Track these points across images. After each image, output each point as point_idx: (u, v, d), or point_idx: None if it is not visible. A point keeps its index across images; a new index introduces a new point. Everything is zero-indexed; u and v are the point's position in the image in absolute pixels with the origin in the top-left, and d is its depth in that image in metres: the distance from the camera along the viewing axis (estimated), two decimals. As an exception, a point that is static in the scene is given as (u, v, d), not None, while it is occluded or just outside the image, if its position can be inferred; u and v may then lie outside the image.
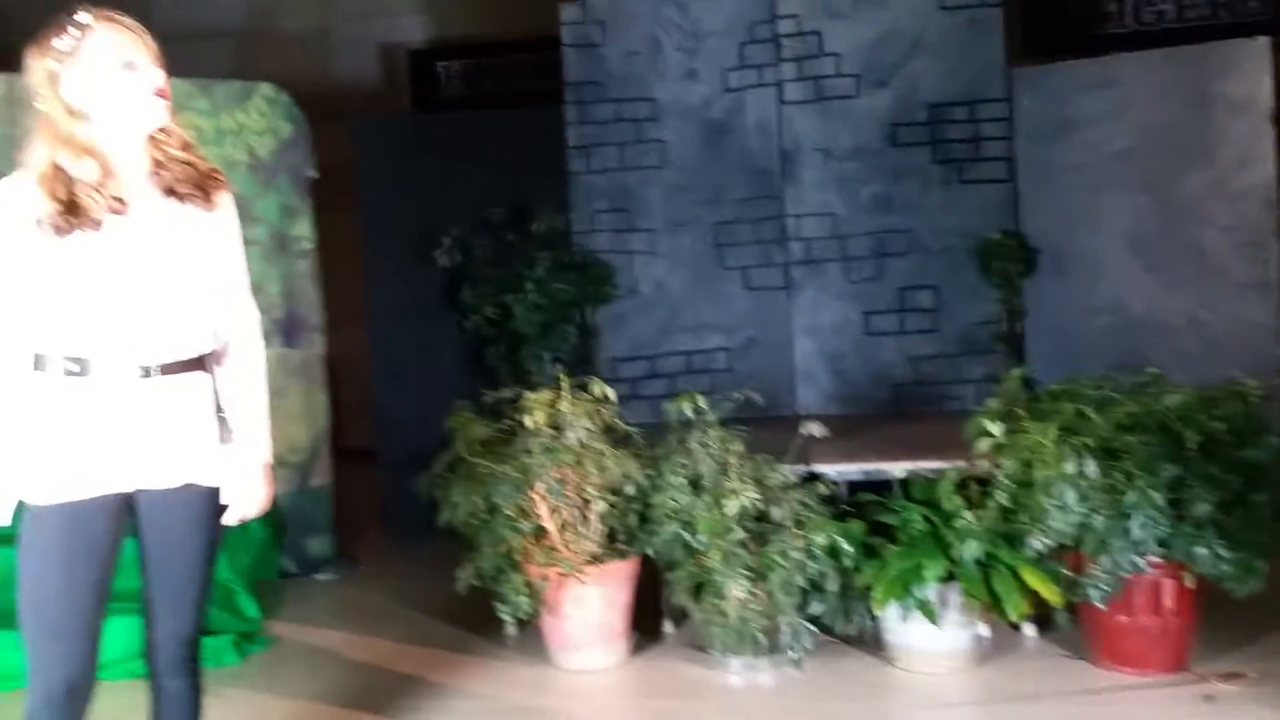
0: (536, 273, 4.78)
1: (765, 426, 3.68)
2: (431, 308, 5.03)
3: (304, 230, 4.75)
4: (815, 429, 3.95)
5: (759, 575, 3.05)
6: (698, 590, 3.15)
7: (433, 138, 5.27)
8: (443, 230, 4.98)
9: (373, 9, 7.36)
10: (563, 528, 3.27)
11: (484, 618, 3.38)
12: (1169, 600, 2.95)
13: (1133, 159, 5.18)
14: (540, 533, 3.29)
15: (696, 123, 5.24)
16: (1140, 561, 2.88)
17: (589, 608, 3.29)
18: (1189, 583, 2.93)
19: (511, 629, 3.50)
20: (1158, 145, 5.17)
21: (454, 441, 3.44)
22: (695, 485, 3.20)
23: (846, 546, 3.10)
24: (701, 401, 3.28)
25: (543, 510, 3.25)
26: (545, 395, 3.32)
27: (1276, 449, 3.00)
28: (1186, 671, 2.98)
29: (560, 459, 3.19)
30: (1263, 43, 5.28)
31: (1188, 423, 2.96)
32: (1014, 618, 3.03)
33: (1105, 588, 2.90)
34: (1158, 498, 2.87)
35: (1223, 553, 2.85)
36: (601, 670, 3.32)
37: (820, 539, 3.09)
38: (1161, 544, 2.88)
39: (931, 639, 3.08)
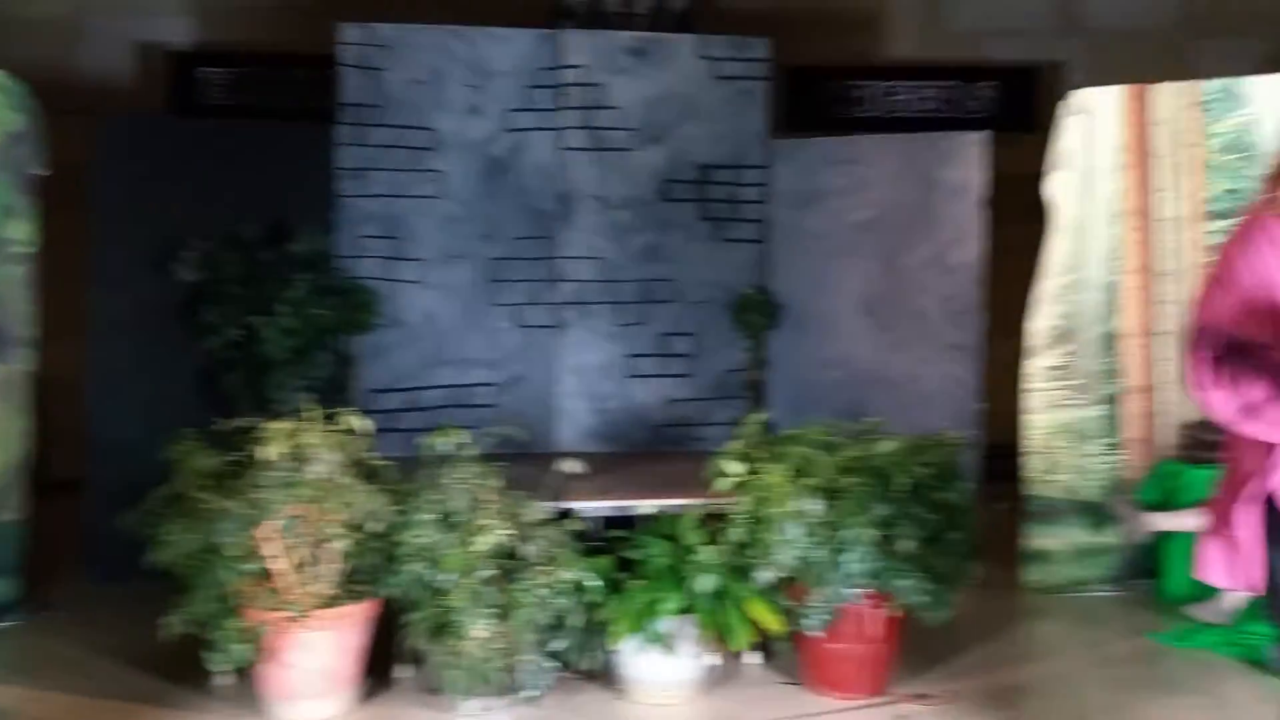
0: (293, 294, 4.58)
1: (525, 463, 3.74)
2: (164, 325, 4.58)
3: (21, 233, 4.20)
4: (573, 466, 4.07)
5: (503, 613, 3.04)
6: (437, 631, 3.05)
7: (185, 142, 4.90)
8: (186, 242, 4.59)
9: (131, 3, 6.94)
10: (297, 568, 3.10)
11: (190, 668, 3.15)
12: (874, 628, 3.26)
13: (869, 230, 5.74)
14: (265, 574, 3.10)
15: (477, 157, 5.29)
16: (852, 593, 3.17)
17: (316, 654, 3.11)
18: (892, 612, 3.25)
19: (222, 680, 3.23)
20: (890, 220, 5.76)
21: (174, 473, 3.21)
22: (446, 522, 3.14)
23: (593, 582, 3.18)
24: (461, 436, 3.25)
25: (273, 549, 3.06)
26: (285, 425, 3.11)
27: (970, 492, 3.40)
28: (885, 694, 3.29)
29: (299, 494, 3.02)
30: (979, 137, 6.00)
31: (899, 467, 3.29)
32: (741, 647, 3.24)
33: (821, 617, 3.16)
34: (870, 534, 3.17)
35: (922, 584, 3.18)
36: None
37: (568, 575, 3.14)
38: (871, 576, 3.18)
39: (664, 670, 3.22)
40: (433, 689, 3.21)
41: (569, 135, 5.38)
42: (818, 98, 7.50)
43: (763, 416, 3.74)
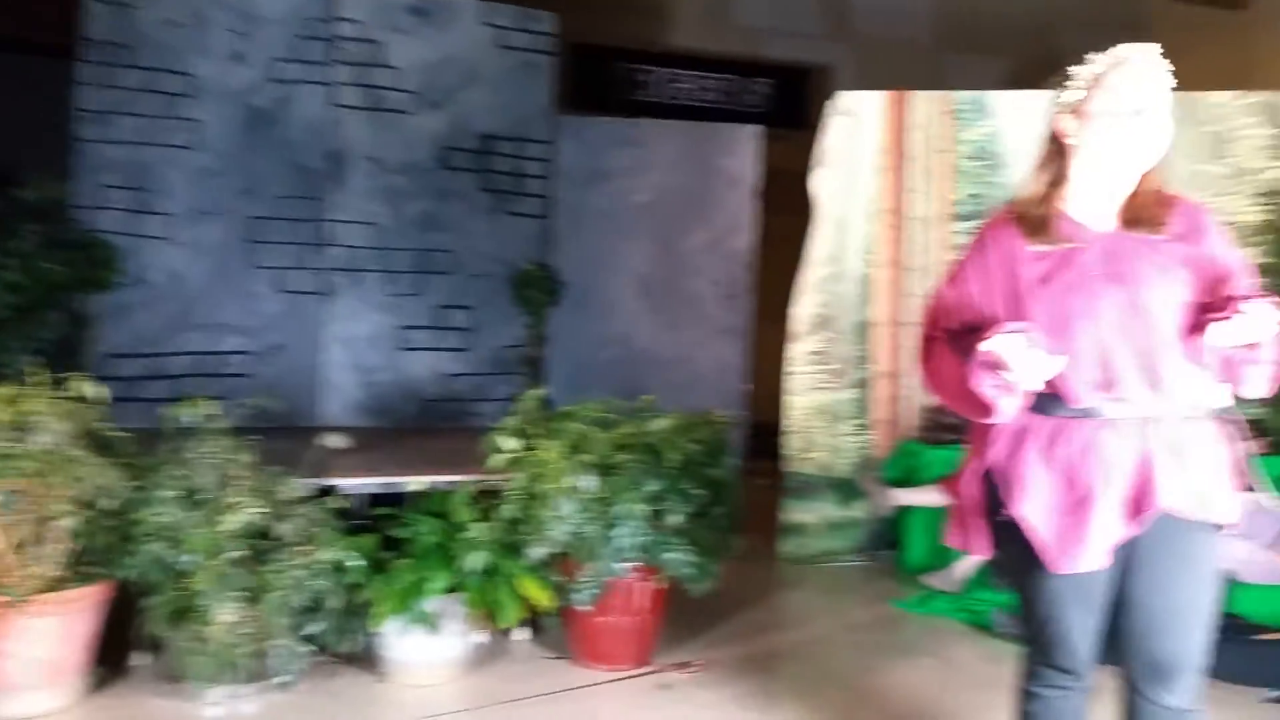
0: (20, 246, 4.11)
1: (285, 437, 3.53)
2: None
3: None
4: (336, 440, 3.88)
5: (253, 596, 2.84)
6: (178, 616, 2.84)
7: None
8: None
9: None
10: (16, 548, 2.79)
11: None
12: (643, 601, 3.32)
13: (649, 213, 5.85)
14: None
15: (238, 107, 4.93)
16: (622, 566, 3.22)
17: (37, 642, 2.82)
18: (659, 584, 3.32)
19: None
20: (670, 204, 5.90)
21: None
22: (191, 499, 2.90)
23: (354, 562, 3.04)
24: (210, 407, 3.01)
25: None
26: (7, 390, 2.82)
27: (735, 469, 3.53)
28: (650, 664, 3.37)
29: (20, 466, 2.72)
30: (754, 130, 6.24)
31: (670, 445, 3.36)
32: (510, 624, 3.22)
33: (591, 591, 3.19)
34: (642, 509, 3.22)
35: (688, 557, 3.26)
36: (44, 715, 2.84)
37: (327, 555, 2.99)
38: (641, 550, 3.23)
39: (428, 651, 3.14)
40: (174, 677, 2.98)
41: (342, 92, 5.12)
42: (603, 78, 7.54)
43: (540, 393, 3.71)
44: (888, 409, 5.06)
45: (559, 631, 3.40)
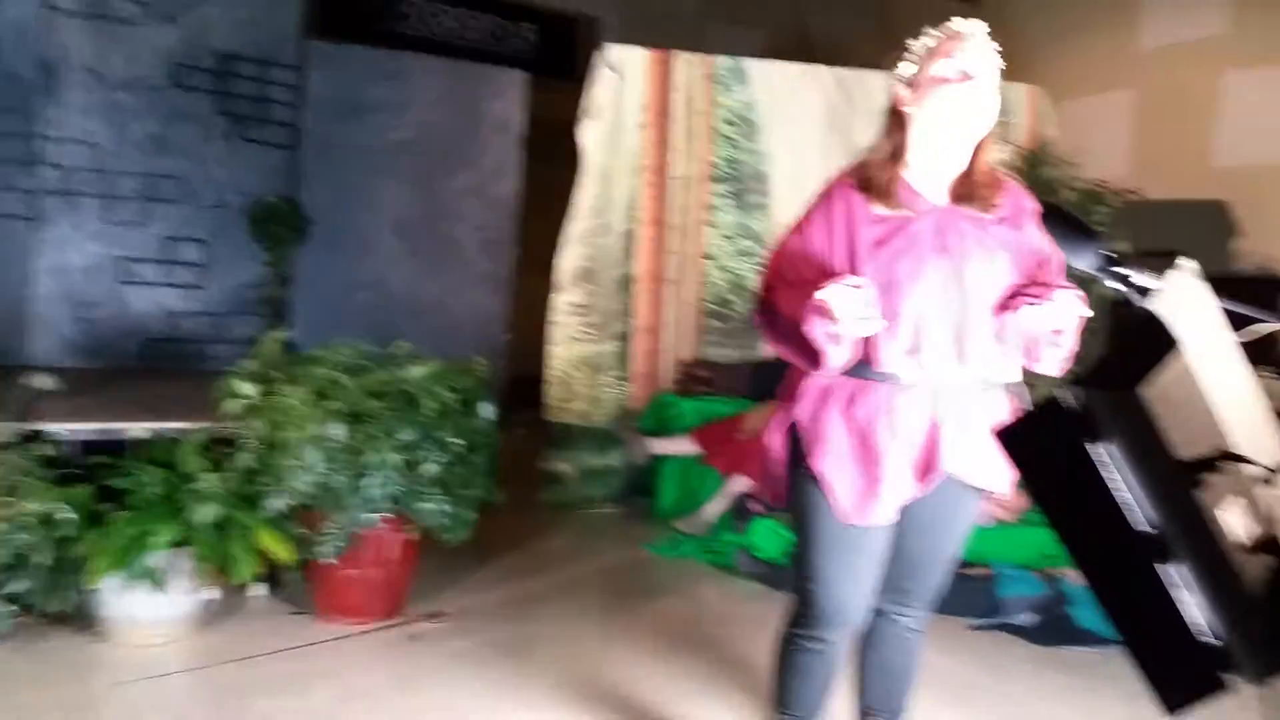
0: None
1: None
2: None
3: None
4: (44, 381, 3.47)
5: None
6: None
7: None
8: None
9: None
10: None
11: None
12: (393, 552, 3.21)
13: (410, 152, 5.60)
14: None
15: (-79, -1, 4.24)
16: (372, 517, 3.08)
17: None
18: (412, 535, 3.22)
19: None
20: (432, 144, 5.67)
21: None
22: None
23: (66, 515, 2.74)
24: None
25: None
26: None
27: (494, 417, 3.45)
28: (400, 616, 3.26)
29: None
30: (522, 76, 6.12)
31: (426, 392, 3.23)
32: (245, 579, 3.00)
33: (338, 544, 3.03)
34: (395, 459, 3.09)
35: (444, 507, 3.17)
36: None
37: (33, 507, 2.69)
38: (393, 500, 3.11)
39: (152, 608, 2.89)
40: None
41: (55, -9, 4.53)
42: (360, 5, 7.11)
43: (282, 335, 3.47)
44: (646, 362, 5.17)
45: (301, 586, 3.22)
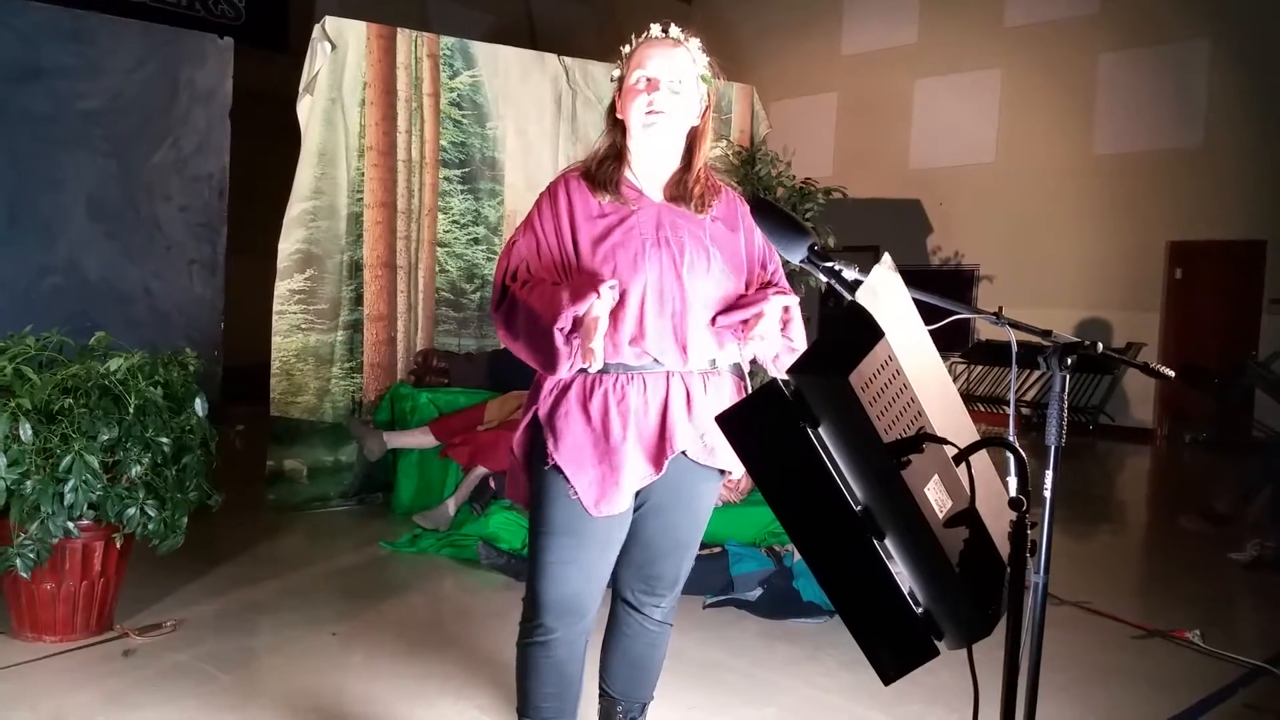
0: None
1: None
2: None
3: None
4: None
5: None
6: None
7: None
8: None
9: None
10: None
11: None
12: (96, 563, 2.94)
13: (102, 122, 5.06)
14: None
15: None
16: (72, 526, 2.82)
17: None
18: (118, 543, 2.97)
19: None
20: (127, 115, 5.16)
21: None
22: None
23: None
24: None
25: None
26: None
27: (209, 414, 3.23)
28: (110, 630, 3.01)
29: None
30: (228, 43, 5.71)
31: (129, 387, 2.98)
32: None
33: (32, 556, 2.75)
34: (94, 461, 2.83)
35: (152, 512, 2.94)
36: None
37: None
38: (94, 507, 2.85)
39: None
40: None
41: None
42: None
43: (-50, 325, 3.07)
44: (378, 352, 5.04)
45: (-6, 604, 2.89)
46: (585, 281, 1.77)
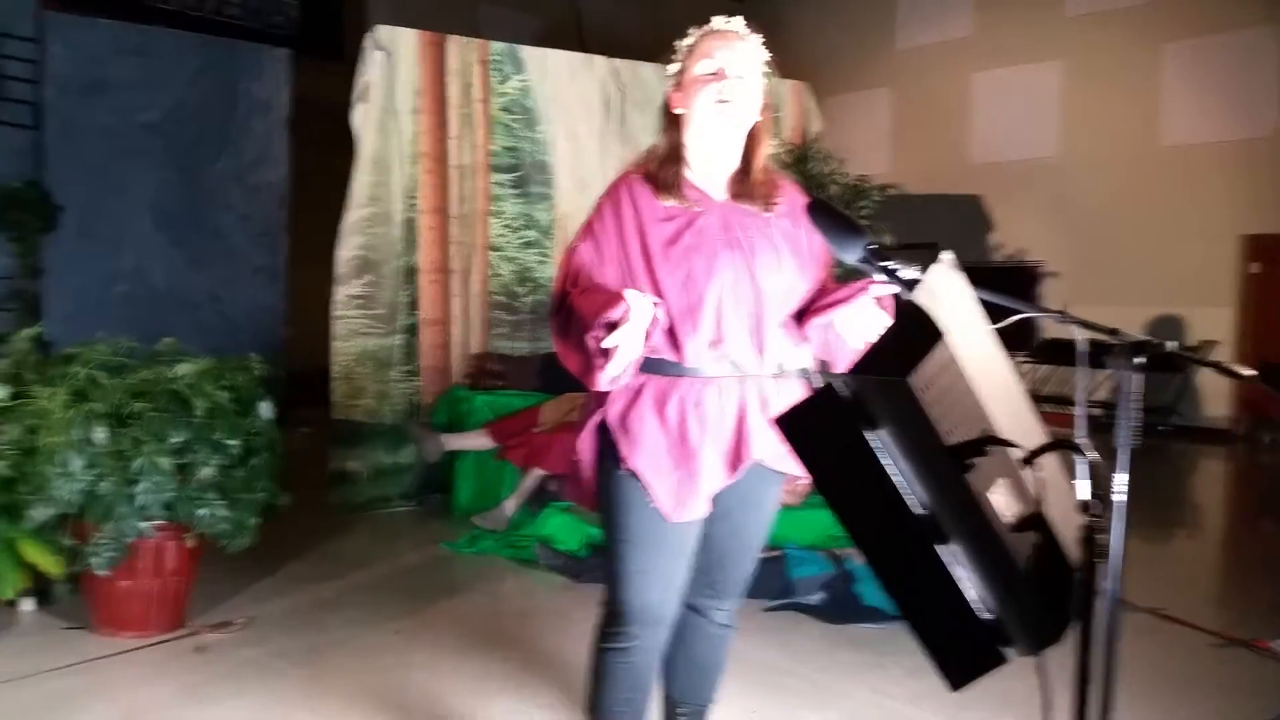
0: None
1: None
2: None
3: None
4: None
5: None
6: None
7: None
8: None
9: None
10: None
11: None
12: (170, 561, 3.03)
13: (162, 134, 5.22)
14: None
15: None
16: (145, 526, 2.90)
17: None
18: (190, 543, 3.05)
19: None
20: (188, 126, 5.31)
21: None
22: None
23: None
24: None
25: None
26: None
27: (275, 417, 3.31)
28: (183, 627, 3.10)
29: None
30: (285, 54, 5.83)
31: (197, 391, 3.06)
32: (10, 594, 2.80)
33: (109, 554, 2.84)
34: (165, 463, 2.91)
35: (222, 512, 3.02)
36: None
37: None
38: (166, 507, 2.94)
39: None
40: None
41: None
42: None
43: (34, 332, 3.19)
44: (434, 356, 5.10)
45: (75, 599, 3.00)
46: (616, 294, 1.71)
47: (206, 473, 3.02)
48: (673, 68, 1.90)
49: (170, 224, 5.05)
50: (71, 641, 2.96)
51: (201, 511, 3.00)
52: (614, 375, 1.71)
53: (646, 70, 5.74)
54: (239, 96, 5.52)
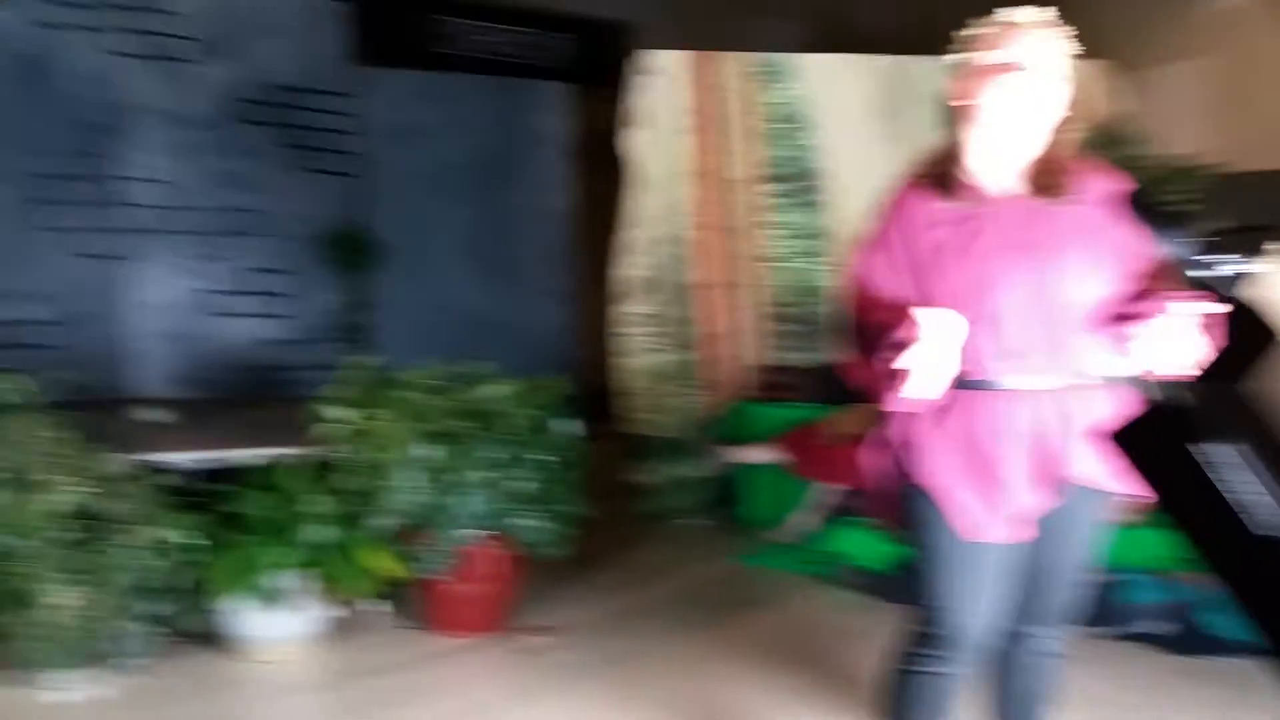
0: None
1: (95, 410, 3.27)
2: None
3: None
4: (155, 414, 3.62)
5: (89, 578, 2.68)
6: (9, 601, 2.67)
7: None
8: None
9: None
10: None
11: None
12: (495, 568, 3.31)
13: (466, 172, 5.71)
14: None
15: (2, 56, 4.44)
16: (472, 535, 3.19)
17: None
18: (510, 551, 3.32)
19: None
20: (486, 163, 5.78)
21: None
22: (10, 479, 2.68)
23: (188, 540, 2.87)
24: (19, 381, 2.77)
25: None
26: None
27: (579, 432, 3.53)
28: (507, 630, 3.36)
29: None
30: (563, 88, 6.18)
31: (512, 411, 3.32)
32: (359, 596, 3.15)
33: (442, 560, 3.15)
34: (487, 477, 3.19)
35: (537, 523, 3.27)
36: None
37: (161, 534, 2.82)
38: (490, 518, 3.21)
39: (276, 626, 3.03)
40: (11, 664, 2.79)
41: (118, 38, 4.69)
42: (400, 28, 7.23)
43: (370, 360, 3.59)
44: (717, 370, 5.20)
45: (415, 601, 3.34)
46: (906, 311, 1.63)
47: (523, 486, 3.28)
48: (955, 59, 1.79)
49: (474, 255, 5.53)
50: (412, 640, 3.29)
51: (520, 522, 3.26)
52: (909, 395, 1.63)
53: (919, 64, 5.56)
54: (527, 131, 5.94)
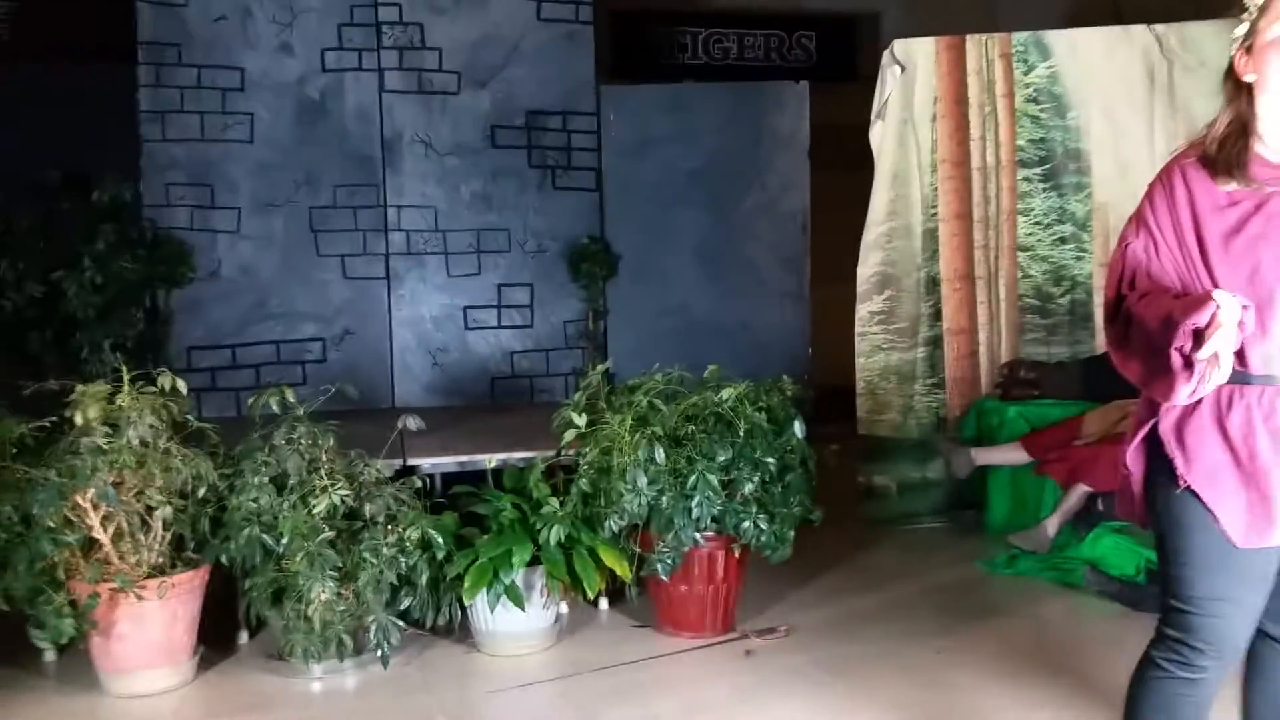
0: (96, 248, 4.24)
1: (361, 420, 3.61)
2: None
3: None
4: (412, 422, 3.94)
5: (347, 575, 2.96)
6: (277, 596, 2.99)
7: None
8: (-24, 191, 4.21)
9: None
10: (118, 538, 2.93)
11: (13, 647, 3.05)
12: (721, 569, 3.33)
13: (701, 179, 5.80)
14: (89, 545, 2.92)
15: (290, 100, 5.03)
16: (698, 536, 3.23)
17: (149, 625, 2.96)
18: (736, 553, 3.33)
19: (50, 657, 3.16)
20: (720, 168, 5.83)
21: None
22: (280, 484, 3.01)
23: (439, 539, 3.10)
24: (290, 394, 3.08)
25: (93, 519, 2.89)
26: (100, 388, 2.94)
27: (807, 434, 3.49)
28: (732, 631, 3.38)
29: (115, 460, 2.85)
30: (804, 87, 6.12)
31: (738, 414, 3.34)
32: (591, 595, 3.27)
33: (669, 561, 3.21)
34: (714, 479, 3.22)
35: (763, 525, 3.26)
36: (163, 692, 3.00)
37: (413, 533, 3.06)
38: (716, 520, 3.24)
39: (517, 622, 3.20)
40: (276, 654, 3.15)
41: (389, 77, 5.18)
42: (644, 44, 7.47)
43: (604, 366, 3.72)
44: (960, 367, 4.98)
45: (643, 601, 3.43)
46: (1202, 295, 1.53)
47: (749, 488, 3.28)
48: (1241, 29, 1.67)
49: (708, 260, 5.60)
50: (639, 638, 3.38)
51: (746, 524, 3.26)
52: (1201, 388, 1.54)
53: (1198, 30, 5.02)
54: (764, 133, 5.94)
